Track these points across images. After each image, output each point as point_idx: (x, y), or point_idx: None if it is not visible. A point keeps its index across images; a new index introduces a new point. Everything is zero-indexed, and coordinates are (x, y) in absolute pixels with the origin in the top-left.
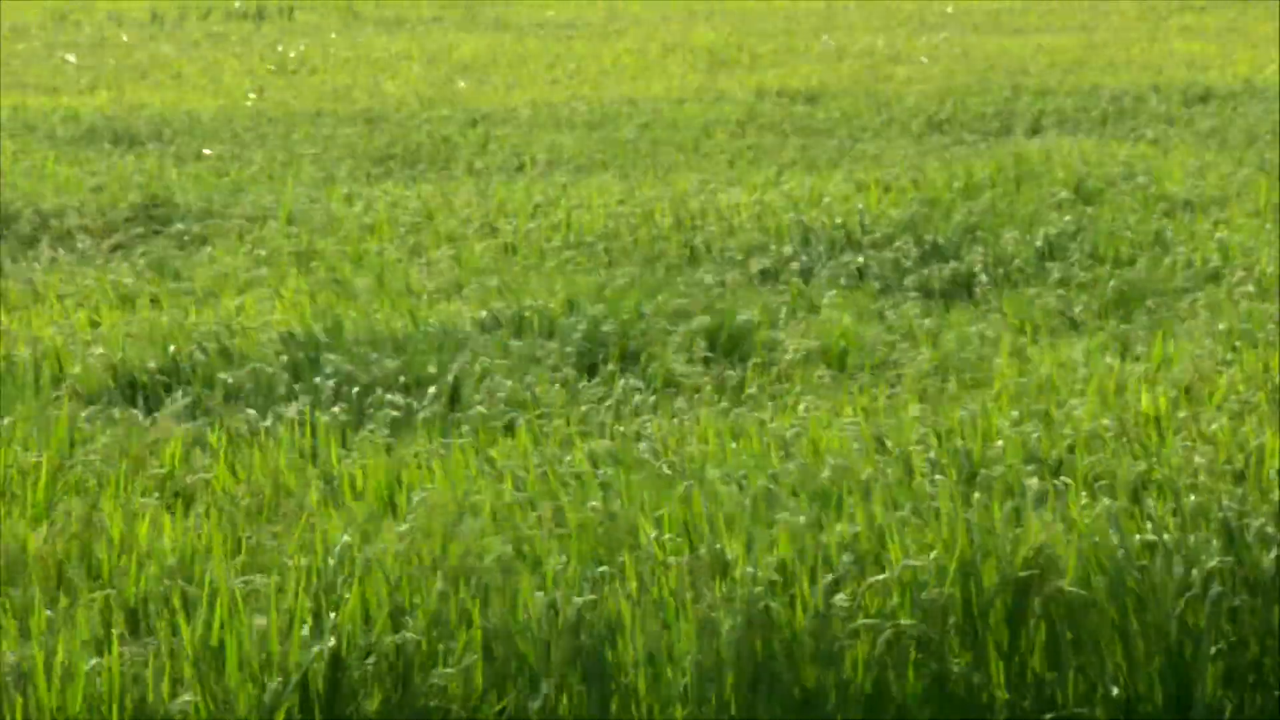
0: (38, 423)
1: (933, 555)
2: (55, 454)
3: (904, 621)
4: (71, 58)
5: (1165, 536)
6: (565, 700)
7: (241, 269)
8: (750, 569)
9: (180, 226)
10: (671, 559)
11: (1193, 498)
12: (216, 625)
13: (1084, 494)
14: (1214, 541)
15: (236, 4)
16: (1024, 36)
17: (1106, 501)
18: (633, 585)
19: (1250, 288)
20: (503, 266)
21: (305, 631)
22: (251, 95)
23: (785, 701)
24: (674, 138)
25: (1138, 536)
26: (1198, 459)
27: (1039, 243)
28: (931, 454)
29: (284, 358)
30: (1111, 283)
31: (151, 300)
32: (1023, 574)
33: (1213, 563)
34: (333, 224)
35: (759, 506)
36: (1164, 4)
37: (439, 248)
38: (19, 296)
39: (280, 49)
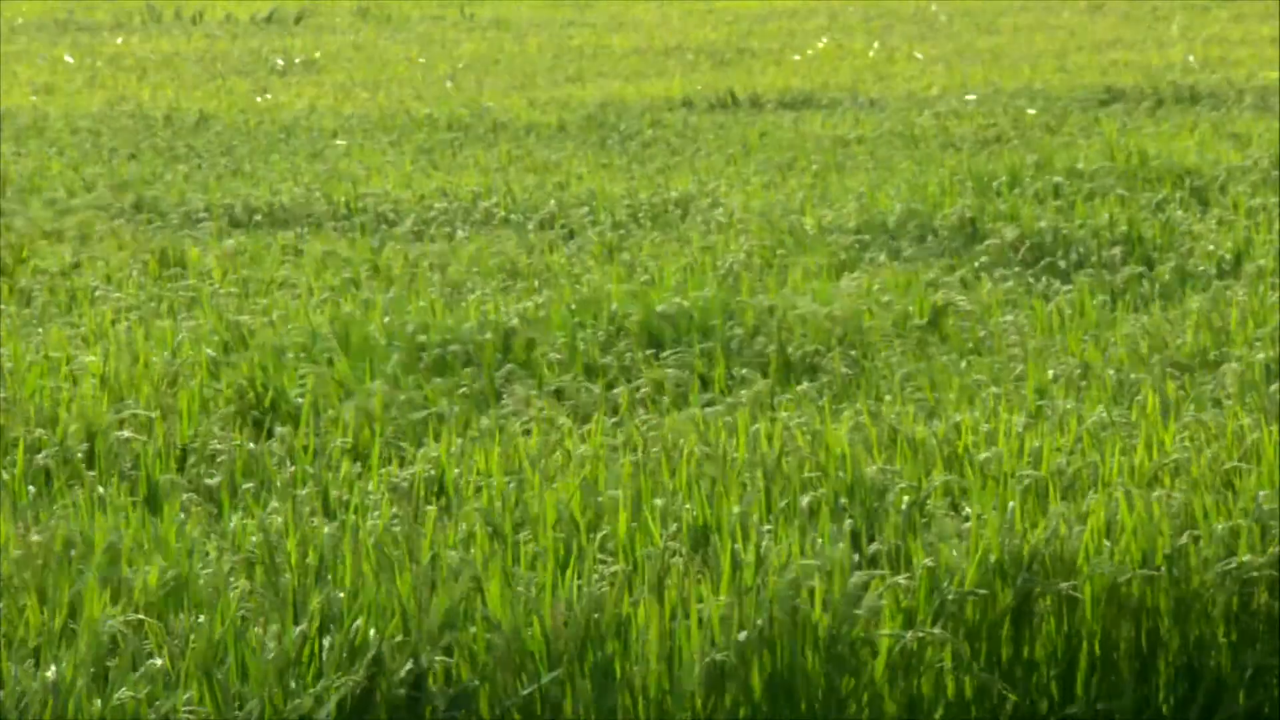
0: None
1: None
2: None
3: (930, 629)
4: (69, 57)
5: (1199, 534)
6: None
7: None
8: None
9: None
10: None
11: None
12: (230, 631)
13: (1096, 490)
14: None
15: (253, 5)
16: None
17: (1121, 495)
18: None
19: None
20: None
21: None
22: (263, 97)
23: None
24: (672, 137)
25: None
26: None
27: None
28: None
29: None
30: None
31: None
32: (1039, 570)
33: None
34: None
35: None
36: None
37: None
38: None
39: (285, 49)
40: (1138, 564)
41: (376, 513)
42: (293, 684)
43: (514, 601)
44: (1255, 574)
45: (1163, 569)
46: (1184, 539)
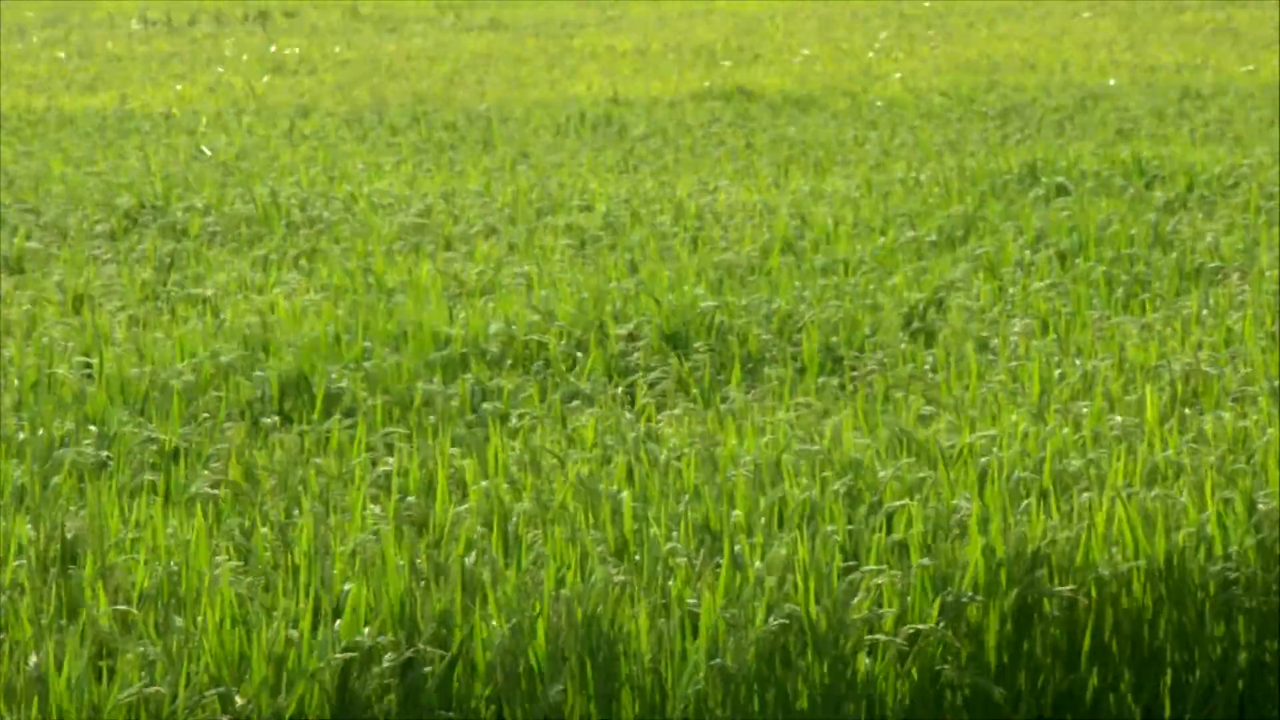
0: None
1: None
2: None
3: (924, 625)
4: (62, 55)
5: (1196, 530)
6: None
7: None
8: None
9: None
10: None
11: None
12: (227, 628)
13: (1096, 492)
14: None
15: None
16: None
17: (1124, 496)
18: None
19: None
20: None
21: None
22: (253, 96)
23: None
24: (672, 138)
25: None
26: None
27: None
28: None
29: None
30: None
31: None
32: (1038, 571)
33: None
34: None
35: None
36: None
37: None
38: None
39: (280, 49)
40: (1139, 566)
41: (378, 508)
42: (288, 679)
43: (519, 596)
44: (1248, 571)
45: (1161, 566)
46: (1181, 537)
